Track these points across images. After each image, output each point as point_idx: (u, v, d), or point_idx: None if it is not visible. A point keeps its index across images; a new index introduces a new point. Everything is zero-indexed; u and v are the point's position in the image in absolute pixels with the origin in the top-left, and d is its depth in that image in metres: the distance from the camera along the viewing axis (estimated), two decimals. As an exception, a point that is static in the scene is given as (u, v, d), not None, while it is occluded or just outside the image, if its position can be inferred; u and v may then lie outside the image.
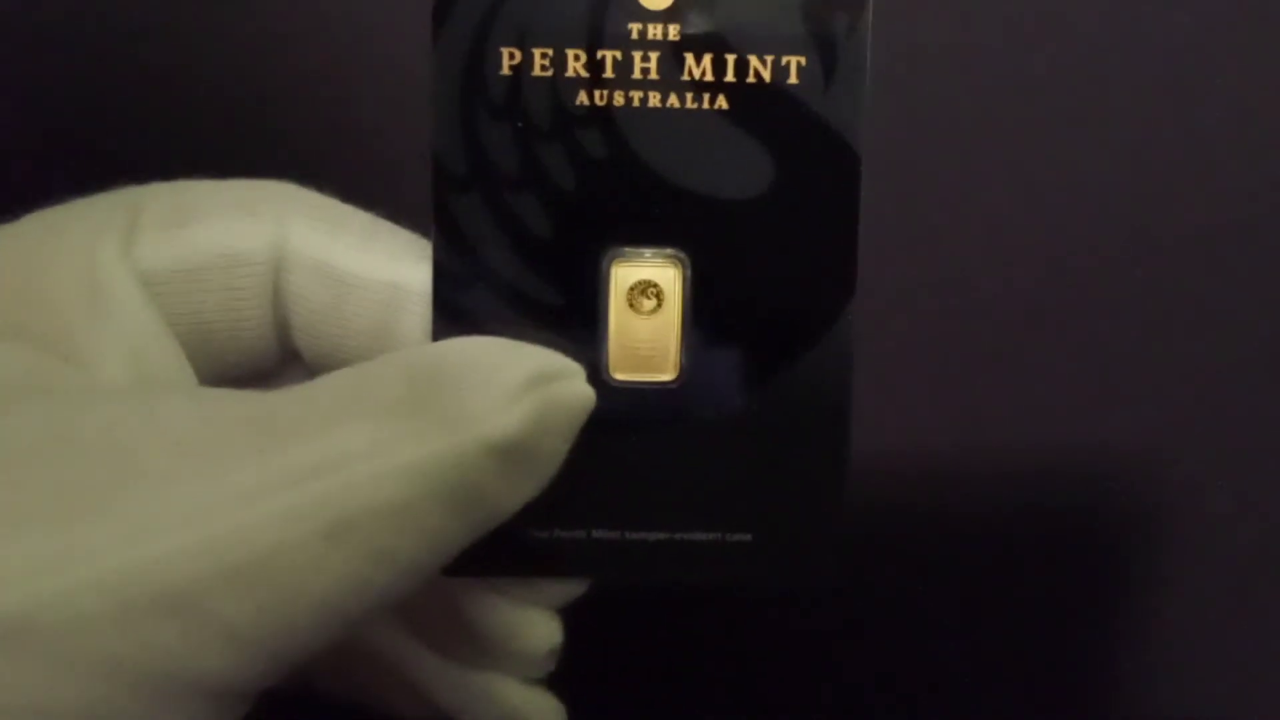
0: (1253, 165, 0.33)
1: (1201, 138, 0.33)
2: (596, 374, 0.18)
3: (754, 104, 0.18)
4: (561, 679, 0.21)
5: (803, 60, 0.18)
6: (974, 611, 0.34)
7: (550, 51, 0.18)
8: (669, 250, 0.19)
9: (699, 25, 0.18)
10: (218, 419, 0.16)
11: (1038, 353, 0.33)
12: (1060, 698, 0.35)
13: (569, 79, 0.18)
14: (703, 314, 0.19)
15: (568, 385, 0.17)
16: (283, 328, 0.19)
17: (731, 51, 0.18)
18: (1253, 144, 0.33)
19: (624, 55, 0.18)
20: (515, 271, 0.18)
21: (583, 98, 0.18)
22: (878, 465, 0.33)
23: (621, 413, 0.19)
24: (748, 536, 0.19)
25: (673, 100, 0.18)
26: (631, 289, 0.19)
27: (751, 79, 0.18)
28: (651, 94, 0.18)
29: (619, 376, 0.19)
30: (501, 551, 0.18)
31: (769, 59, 0.18)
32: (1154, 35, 0.32)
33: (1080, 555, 0.34)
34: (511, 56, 0.18)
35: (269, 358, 0.19)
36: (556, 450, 0.17)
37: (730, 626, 0.34)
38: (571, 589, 0.20)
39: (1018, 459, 0.34)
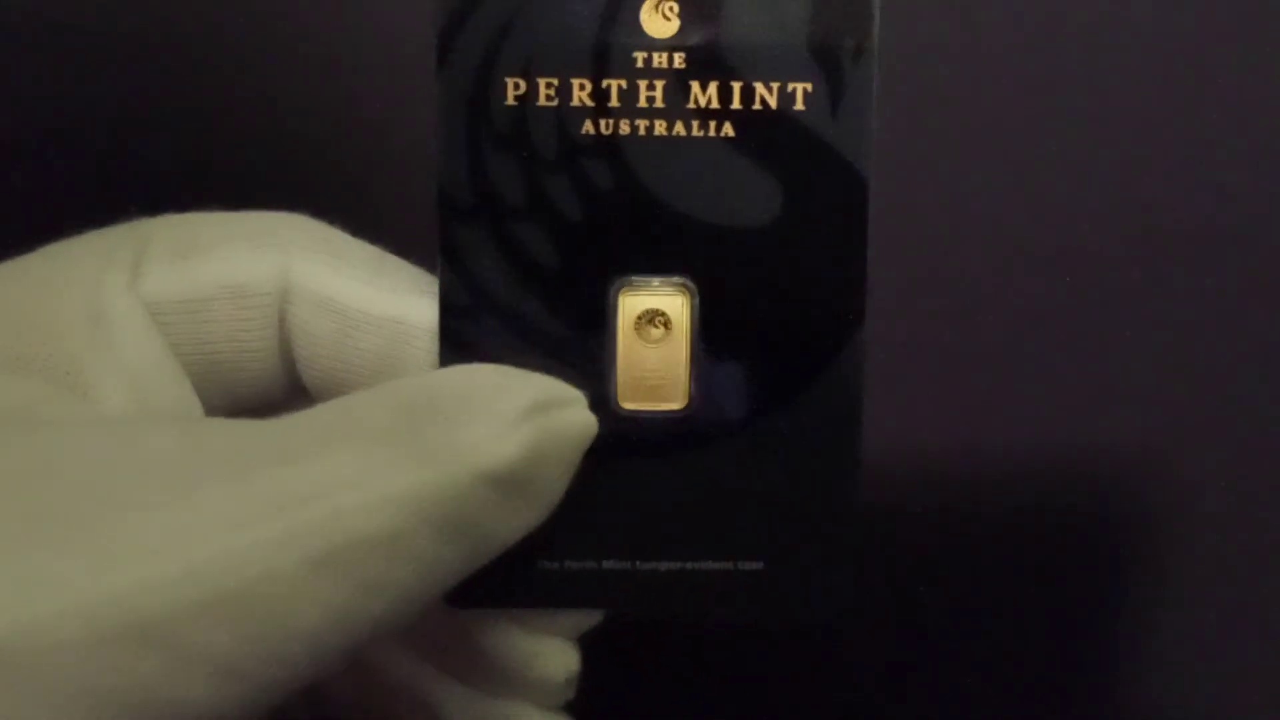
0: (1253, 165, 0.33)
1: (1201, 138, 0.32)
2: (605, 404, 0.18)
3: (760, 131, 0.18)
4: (581, 705, 0.21)
5: (809, 87, 0.18)
6: (973, 610, 0.34)
7: (555, 81, 0.18)
8: (677, 279, 0.18)
9: (704, 53, 0.18)
10: (202, 446, 0.15)
11: (1038, 353, 0.33)
12: (1060, 698, 0.35)
13: (574, 108, 0.18)
14: (712, 342, 0.19)
15: (568, 413, 0.17)
16: (289, 360, 0.19)
17: (737, 79, 0.18)
18: (1253, 144, 0.33)
19: (629, 84, 0.18)
20: (522, 302, 0.18)
21: (588, 127, 0.18)
22: (877, 465, 0.33)
23: (631, 442, 0.18)
24: (759, 564, 0.19)
25: (679, 129, 0.18)
26: (639, 318, 0.18)
27: (758, 106, 0.18)
28: (657, 122, 0.18)
29: (628, 406, 0.18)
30: (511, 582, 0.18)
31: (775, 86, 0.18)
32: (1154, 35, 0.32)
33: (1080, 555, 0.34)
34: (516, 86, 0.18)
35: (276, 389, 0.19)
36: (557, 479, 0.17)
37: (739, 640, 0.34)
38: (587, 617, 0.20)
39: (1018, 459, 0.34)
